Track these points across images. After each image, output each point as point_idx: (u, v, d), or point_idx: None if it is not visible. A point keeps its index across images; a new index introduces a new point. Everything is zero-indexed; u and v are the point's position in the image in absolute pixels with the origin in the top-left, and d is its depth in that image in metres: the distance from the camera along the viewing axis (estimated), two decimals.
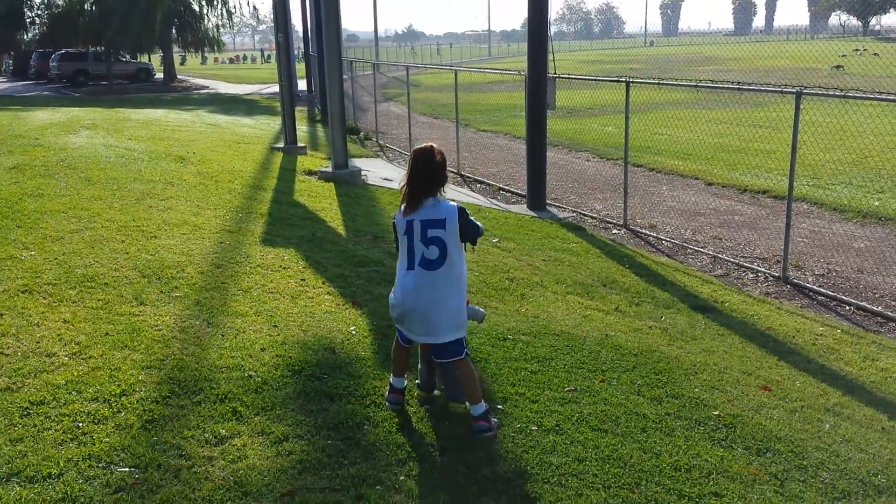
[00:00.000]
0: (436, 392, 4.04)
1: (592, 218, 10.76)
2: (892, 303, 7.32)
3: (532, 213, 10.75)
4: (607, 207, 11.33)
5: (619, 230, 10.12)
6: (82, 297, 5.01)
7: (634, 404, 4.26)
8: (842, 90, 9.25)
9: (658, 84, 11.10)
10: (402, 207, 3.68)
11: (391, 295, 3.76)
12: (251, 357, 4.30)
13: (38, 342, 4.29)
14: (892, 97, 7.86)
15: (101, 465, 3.18)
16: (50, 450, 3.25)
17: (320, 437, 3.54)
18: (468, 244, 3.74)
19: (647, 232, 9.96)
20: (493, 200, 11.75)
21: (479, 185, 13.11)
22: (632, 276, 7.69)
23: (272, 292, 5.53)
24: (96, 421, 3.50)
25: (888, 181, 12.05)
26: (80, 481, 3.06)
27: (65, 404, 3.62)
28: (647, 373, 4.78)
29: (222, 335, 4.60)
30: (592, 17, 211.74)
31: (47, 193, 7.65)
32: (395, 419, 3.78)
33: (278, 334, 4.70)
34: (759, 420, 4.24)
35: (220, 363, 4.19)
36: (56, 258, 5.72)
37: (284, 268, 6.15)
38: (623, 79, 10.33)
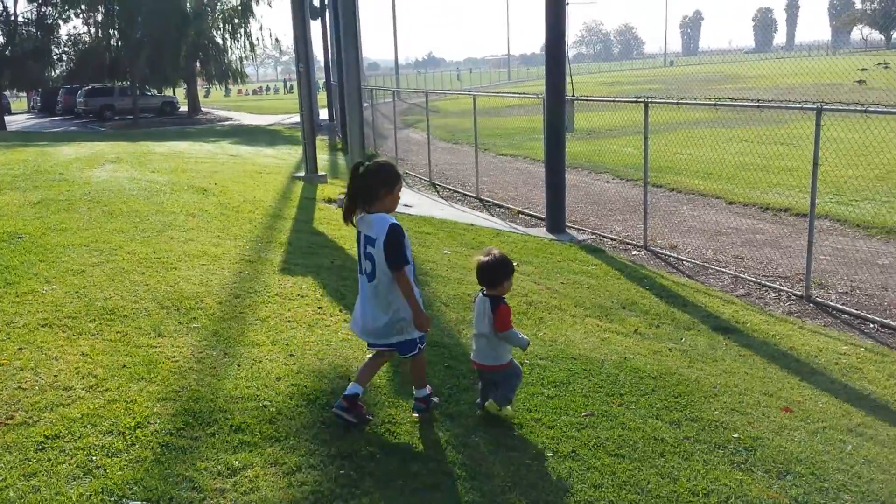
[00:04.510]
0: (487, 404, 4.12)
1: (612, 239, 10.71)
2: None
3: (551, 236, 10.73)
4: (627, 229, 11.27)
5: (640, 251, 10.06)
6: (101, 330, 5.06)
7: (653, 428, 4.20)
8: (863, 105, 9.15)
9: (677, 103, 11.11)
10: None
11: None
12: (267, 387, 4.31)
13: (55, 376, 4.34)
14: None
15: (113, 498, 3.19)
16: (63, 485, 3.27)
17: (334, 467, 3.53)
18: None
19: (668, 252, 9.89)
20: (513, 224, 11.75)
21: (498, 209, 13.12)
22: (652, 298, 7.63)
23: (289, 321, 5.55)
24: (110, 454, 3.52)
25: None
26: None
27: (80, 438, 3.65)
28: (666, 396, 4.73)
29: (238, 365, 4.63)
30: (611, 38, 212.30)
31: (70, 227, 7.78)
32: (409, 448, 3.76)
33: (294, 363, 4.72)
34: (779, 442, 4.16)
35: (235, 393, 4.21)
36: (77, 291, 5.80)
37: (302, 296, 6.18)
38: (641, 99, 10.32)
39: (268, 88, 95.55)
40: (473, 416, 4.15)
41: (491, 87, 65.91)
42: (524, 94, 18.44)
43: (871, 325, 7.12)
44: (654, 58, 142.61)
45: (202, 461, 3.51)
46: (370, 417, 4.00)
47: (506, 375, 4.08)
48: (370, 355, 4.09)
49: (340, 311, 5.90)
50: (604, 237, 10.82)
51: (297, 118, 29.06)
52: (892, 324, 7.06)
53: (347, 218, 3.94)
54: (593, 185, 15.21)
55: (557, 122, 10.89)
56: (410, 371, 4.11)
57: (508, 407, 4.12)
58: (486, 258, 4.00)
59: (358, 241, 3.95)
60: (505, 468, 3.66)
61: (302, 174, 14.26)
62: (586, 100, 12.95)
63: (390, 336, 3.91)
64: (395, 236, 3.78)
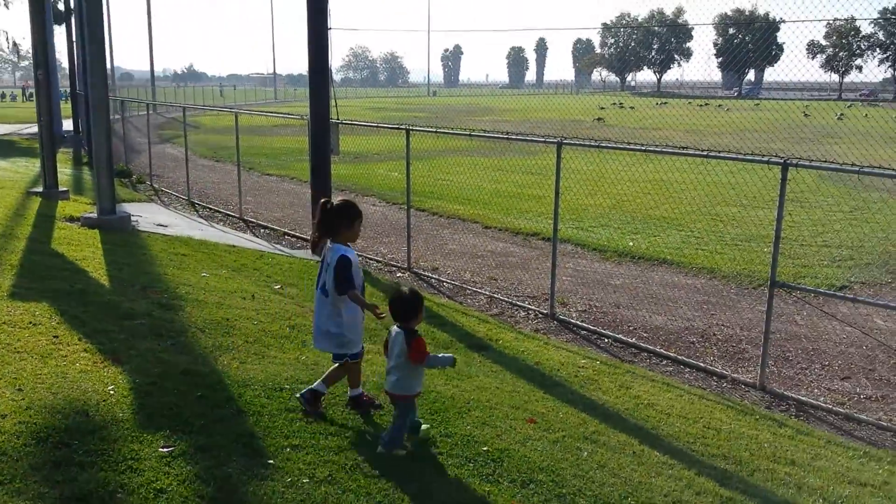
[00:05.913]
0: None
1: (378, 262, 10.88)
2: (644, 334, 8.05)
3: (317, 258, 10.65)
4: (392, 251, 11.52)
5: (404, 273, 10.31)
6: None
7: (411, 446, 4.29)
8: (596, 140, 10.12)
9: (436, 132, 11.55)
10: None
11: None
12: None
13: None
14: (638, 147, 8.76)
15: None
16: None
17: None
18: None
19: (430, 274, 10.24)
20: (278, 246, 11.54)
21: (263, 231, 12.83)
22: None
23: (18, 352, 4.99)
24: None
25: (641, 223, 13.33)
26: None
27: None
28: (423, 413, 4.84)
29: None
30: (378, 65, 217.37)
31: None
32: (153, 485, 3.52)
33: (23, 399, 4.23)
34: (524, 452, 4.43)
35: None
36: None
37: (35, 324, 5.59)
38: (403, 126, 10.63)
39: (3, 95, 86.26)
40: (227, 447, 3.98)
41: (257, 105, 64.53)
42: (289, 114, 18.25)
43: (606, 340, 7.85)
44: (419, 87, 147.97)
45: None
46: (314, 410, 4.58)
47: (404, 409, 4.24)
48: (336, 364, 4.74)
49: (80, 339, 5.40)
50: (370, 259, 10.96)
51: (35, 128, 26.45)
52: (623, 338, 7.84)
53: (315, 249, 4.74)
54: (360, 208, 15.36)
55: (322, 145, 10.89)
56: (347, 375, 4.80)
57: (401, 451, 4.19)
58: (397, 294, 4.32)
59: (322, 262, 4.67)
60: (258, 499, 3.54)
61: (40, 189, 12.97)
62: (351, 124, 13.08)
63: (335, 347, 4.68)
64: (343, 264, 4.51)
